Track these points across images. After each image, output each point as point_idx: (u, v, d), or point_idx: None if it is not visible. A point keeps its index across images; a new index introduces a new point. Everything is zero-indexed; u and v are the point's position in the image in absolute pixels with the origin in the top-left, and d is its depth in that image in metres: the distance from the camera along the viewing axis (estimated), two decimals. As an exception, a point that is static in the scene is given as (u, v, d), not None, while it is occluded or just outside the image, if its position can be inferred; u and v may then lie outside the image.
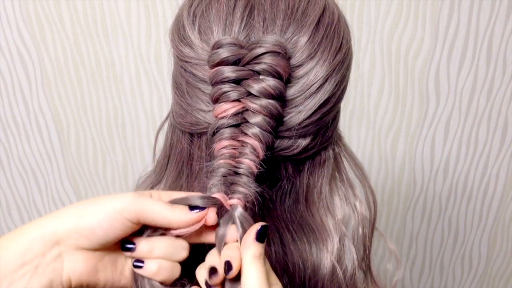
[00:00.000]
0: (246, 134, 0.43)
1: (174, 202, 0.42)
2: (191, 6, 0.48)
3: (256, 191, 0.43)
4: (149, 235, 0.43)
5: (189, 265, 0.44)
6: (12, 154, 1.32)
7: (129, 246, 0.42)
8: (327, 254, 0.50)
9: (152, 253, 0.42)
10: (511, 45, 1.09)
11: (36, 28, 1.13)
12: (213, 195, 0.42)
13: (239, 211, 0.41)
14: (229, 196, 0.42)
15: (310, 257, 0.50)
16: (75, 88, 1.20)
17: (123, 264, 0.44)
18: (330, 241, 0.50)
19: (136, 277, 0.43)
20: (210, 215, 0.42)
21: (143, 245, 0.42)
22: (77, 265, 0.41)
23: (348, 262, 0.52)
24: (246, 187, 0.42)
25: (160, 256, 0.42)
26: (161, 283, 0.43)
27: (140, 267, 0.42)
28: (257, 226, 0.40)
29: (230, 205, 0.42)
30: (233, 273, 0.39)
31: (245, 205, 0.42)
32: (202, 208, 0.42)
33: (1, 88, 1.21)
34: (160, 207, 0.41)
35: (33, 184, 1.37)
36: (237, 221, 0.41)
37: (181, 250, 0.43)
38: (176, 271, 0.43)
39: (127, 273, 0.44)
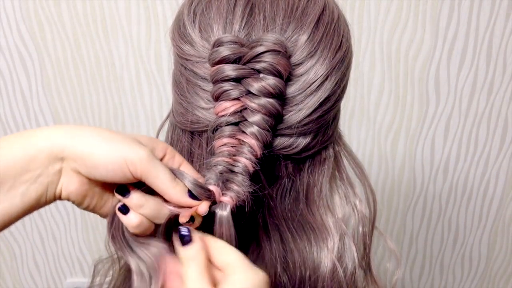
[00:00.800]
0: (244, 132, 0.44)
1: (173, 172, 0.43)
2: (192, 4, 0.48)
3: (252, 190, 0.43)
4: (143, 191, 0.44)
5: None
6: (12, 154, 1.32)
7: (124, 192, 0.43)
8: (327, 253, 0.50)
9: (140, 209, 0.43)
10: (511, 45, 1.09)
11: (36, 28, 1.13)
12: (210, 187, 0.43)
13: (226, 211, 0.42)
14: (223, 192, 0.43)
15: (310, 255, 0.50)
16: (75, 88, 1.20)
17: (108, 198, 0.45)
18: (331, 239, 0.50)
19: (113, 218, 0.44)
20: (203, 206, 0.43)
21: (136, 198, 0.43)
22: (70, 185, 0.42)
23: (348, 260, 0.52)
24: (240, 186, 0.43)
25: (145, 214, 0.43)
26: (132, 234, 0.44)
27: (124, 213, 0.43)
28: (176, 234, 0.42)
29: (221, 201, 0.43)
30: None
31: (236, 204, 0.43)
32: (196, 198, 0.42)
33: (1, 88, 1.21)
34: (165, 176, 0.42)
35: (33, 184, 1.37)
36: (217, 220, 0.42)
37: (164, 216, 0.44)
38: (149, 230, 0.44)
39: (107, 209, 0.45)
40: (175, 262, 0.42)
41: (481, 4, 1.04)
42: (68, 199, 0.43)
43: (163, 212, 0.43)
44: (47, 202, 0.42)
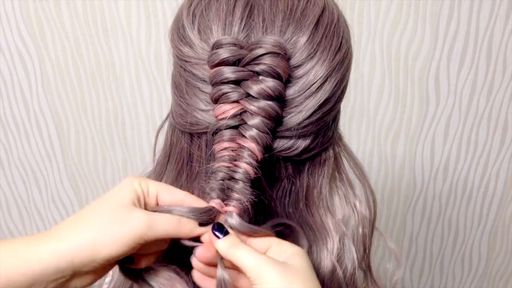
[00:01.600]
0: (244, 136, 0.44)
1: (166, 210, 0.44)
2: (191, 5, 0.48)
3: (253, 197, 0.44)
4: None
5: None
6: (12, 154, 1.32)
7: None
8: (327, 254, 0.50)
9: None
10: (511, 45, 1.09)
11: (36, 28, 1.13)
12: (211, 203, 0.44)
13: (235, 218, 0.44)
14: (225, 202, 0.44)
15: (310, 256, 0.50)
16: (75, 88, 1.20)
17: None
18: (330, 240, 0.50)
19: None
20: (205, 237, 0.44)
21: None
22: (84, 282, 0.42)
23: (348, 261, 0.52)
24: (241, 194, 0.43)
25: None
26: None
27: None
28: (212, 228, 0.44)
29: (226, 212, 0.44)
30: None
31: (240, 211, 0.44)
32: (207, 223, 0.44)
33: (1, 88, 1.21)
34: (171, 226, 0.42)
35: (33, 184, 1.37)
36: (233, 227, 0.44)
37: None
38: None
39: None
40: (182, 283, 0.44)
41: (481, 4, 1.04)
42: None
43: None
44: None
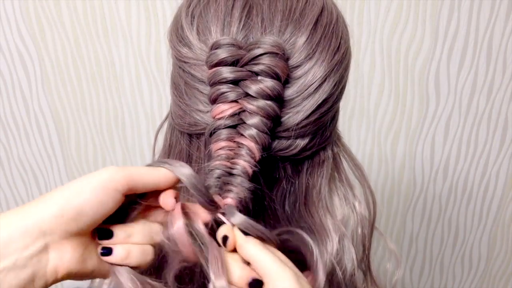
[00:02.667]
0: (242, 135, 0.44)
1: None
2: (189, 6, 0.48)
3: (252, 190, 0.43)
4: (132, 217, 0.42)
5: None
6: (12, 154, 1.32)
7: (108, 235, 0.40)
8: (326, 254, 0.50)
9: (130, 238, 0.41)
10: (511, 45, 1.09)
11: (36, 28, 1.13)
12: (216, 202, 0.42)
13: (235, 212, 0.41)
14: (223, 196, 0.42)
15: (308, 256, 0.50)
16: (75, 88, 1.20)
17: None
18: (330, 241, 0.50)
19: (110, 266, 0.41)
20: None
21: (121, 232, 0.40)
22: (65, 255, 0.38)
23: (347, 262, 0.52)
24: (239, 187, 0.42)
25: (138, 241, 0.41)
26: (135, 268, 0.41)
27: (108, 254, 0.40)
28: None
29: (225, 205, 0.42)
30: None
31: (239, 203, 0.42)
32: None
33: (1, 88, 1.21)
34: (146, 169, 0.40)
35: (33, 184, 1.38)
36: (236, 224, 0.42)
37: (157, 232, 0.42)
38: (148, 253, 0.41)
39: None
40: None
41: (481, 4, 1.04)
42: (70, 274, 0.39)
43: (154, 229, 0.42)
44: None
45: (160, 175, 0.41)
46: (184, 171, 0.40)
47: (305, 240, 0.48)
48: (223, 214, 0.42)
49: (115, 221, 0.41)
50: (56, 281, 0.38)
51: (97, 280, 0.64)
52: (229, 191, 0.42)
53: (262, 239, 0.42)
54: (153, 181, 0.41)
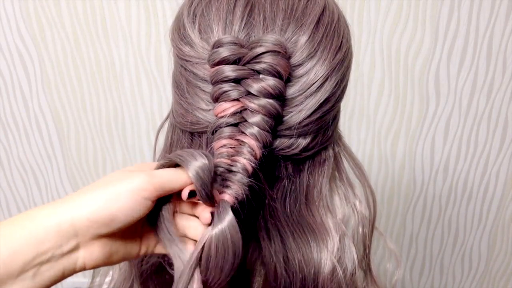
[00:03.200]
0: (244, 133, 0.44)
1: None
2: (191, 5, 0.48)
3: (250, 186, 0.43)
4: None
5: None
6: (12, 154, 1.32)
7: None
8: (327, 253, 0.50)
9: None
10: (511, 45, 1.09)
11: (36, 28, 1.13)
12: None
13: (228, 210, 0.42)
14: (221, 191, 0.43)
15: (310, 256, 0.50)
16: (75, 88, 1.20)
17: (132, 244, 0.44)
18: (330, 240, 0.50)
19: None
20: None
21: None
22: (93, 253, 0.40)
23: (348, 261, 0.52)
24: (237, 184, 0.43)
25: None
26: None
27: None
28: None
29: (220, 200, 0.42)
30: None
31: (236, 199, 0.43)
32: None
33: (1, 88, 1.21)
34: (169, 173, 0.42)
35: (33, 184, 1.37)
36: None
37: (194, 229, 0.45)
38: None
39: (134, 252, 0.45)
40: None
41: (481, 4, 1.04)
42: (96, 267, 0.42)
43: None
44: (67, 277, 0.40)
45: (184, 179, 0.42)
46: (195, 164, 0.41)
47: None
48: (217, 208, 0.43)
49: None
50: (83, 270, 0.41)
51: (97, 279, 0.64)
52: (227, 187, 0.43)
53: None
54: (179, 185, 0.42)
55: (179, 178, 0.42)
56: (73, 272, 0.40)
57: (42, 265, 0.38)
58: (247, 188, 0.43)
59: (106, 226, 0.39)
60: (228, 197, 0.42)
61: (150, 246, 0.46)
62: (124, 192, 0.39)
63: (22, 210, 1.42)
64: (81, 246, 0.39)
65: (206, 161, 0.41)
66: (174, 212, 0.44)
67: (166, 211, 0.44)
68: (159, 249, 0.46)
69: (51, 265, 0.38)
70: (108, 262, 0.42)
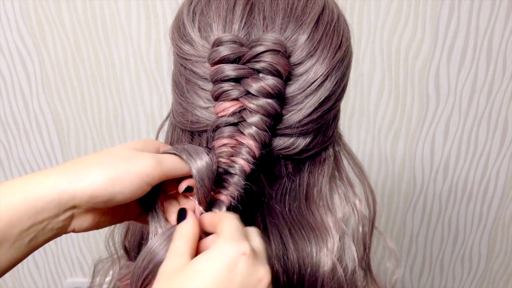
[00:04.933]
0: (242, 133, 0.44)
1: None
2: (191, 4, 0.48)
3: (246, 187, 0.44)
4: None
5: None
6: (12, 154, 1.32)
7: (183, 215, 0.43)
8: (327, 252, 0.50)
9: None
10: (511, 45, 1.09)
11: (36, 28, 1.13)
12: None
13: (223, 210, 0.43)
14: (217, 190, 0.44)
15: (310, 255, 0.50)
16: (75, 88, 1.20)
17: (119, 213, 0.45)
18: (331, 239, 0.50)
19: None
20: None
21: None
22: (84, 223, 0.42)
23: (348, 260, 0.52)
24: (233, 186, 0.43)
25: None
26: None
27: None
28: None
29: (217, 200, 0.44)
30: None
31: (230, 202, 0.44)
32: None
33: (1, 88, 1.21)
34: (174, 161, 0.43)
35: (33, 184, 1.37)
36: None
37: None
38: None
39: (120, 216, 0.46)
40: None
41: (481, 4, 1.04)
42: (83, 231, 0.43)
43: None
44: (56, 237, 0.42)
45: (187, 170, 0.43)
46: (198, 164, 0.42)
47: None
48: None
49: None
50: (66, 233, 0.43)
51: (97, 279, 0.64)
52: (224, 187, 0.44)
53: None
54: (181, 174, 0.43)
55: (183, 167, 0.43)
56: (62, 234, 0.42)
57: (37, 231, 0.39)
58: (242, 190, 0.44)
59: (103, 203, 0.40)
60: (224, 197, 0.43)
61: (133, 215, 0.47)
62: (129, 175, 0.40)
63: (22, 210, 1.42)
64: (75, 216, 0.41)
65: (210, 161, 0.42)
66: (162, 192, 0.45)
67: (157, 192, 0.44)
68: (140, 220, 0.48)
69: (45, 231, 0.40)
70: (96, 228, 0.44)
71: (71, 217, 0.41)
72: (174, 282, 0.36)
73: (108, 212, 0.44)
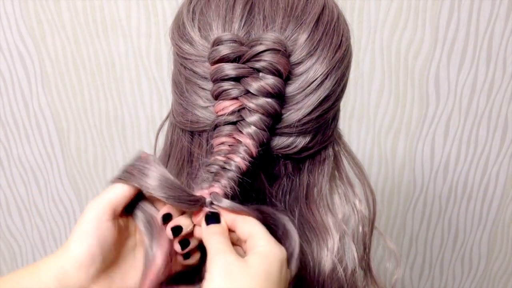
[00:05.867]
0: (241, 132, 0.44)
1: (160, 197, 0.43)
2: (191, 3, 0.48)
3: (240, 183, 0.44)
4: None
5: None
6: (12, 154, 1.32)
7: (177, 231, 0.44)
8: (327, 252, 0.50)
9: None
10: (511, 45, 1.09)
11: (36, 28, 1.13)
12: (198, 193, 0.44)
13: (221, 198, 0.43)
14: (210, 185, 0.44)
15: (310, 255, 0.50)
16: (75, 88, 1.20)
17: (113, 275, 0.45)
18: (331, 239, 0.50)
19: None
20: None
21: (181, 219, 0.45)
22: None
23: (348, 260, 0.52)
24: (227, 180, 0.43)
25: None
26: None
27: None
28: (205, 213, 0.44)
29: (210, 193, 0.43)
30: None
31: (226, 190, 0.43)
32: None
33: (1, 88, 1.21)
34: (119, 190, 0.44)
35: (33, 184, 1.37)
36: (218, 205, 0.43)
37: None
38: None
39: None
40: None
41: (481, 4, 1.04)
42: None
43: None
44: None
45: (132, 193, 0.44)
46: (149, 183, 0.43)
47: (288, 235, 0.48)
48: (211, 203, 0.44)
49: None
50: None
51: None
52: (216, 181, 0.44)
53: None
54: (130, 198, 0.44)
55: (129, 193, 0.44)
56: None
57: None
58: (237, 187, 0.44)
59: (92, 265, 0.41)
60: (218, 189, 0.43)
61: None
62: (85, 229, 0.41)
63: (22, 210, 1.42)
64: None
65: (163, 176, 0.43)
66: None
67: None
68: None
69: None
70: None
71: None
72: (236, 280, 0.38)
73: (114, 266, 0.44)
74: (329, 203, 0.52)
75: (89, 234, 0.41)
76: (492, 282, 1.47)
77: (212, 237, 0.41)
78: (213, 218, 0.43)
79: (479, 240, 1.39)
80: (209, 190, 0.43)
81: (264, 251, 0.40)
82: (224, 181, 0.43)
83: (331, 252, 0.50)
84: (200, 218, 0.44)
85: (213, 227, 0.42)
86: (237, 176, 0.43)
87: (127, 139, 1.27)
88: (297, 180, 0.50)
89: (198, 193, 0.44)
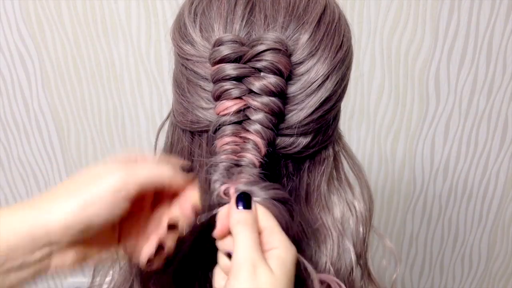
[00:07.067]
0: (248, 130, 0.44)
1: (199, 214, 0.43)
2: (192, 4, 0.48)
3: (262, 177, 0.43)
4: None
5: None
6: (12, 154, 1.32)
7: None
8: (325, 252, 0.50)
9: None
10: (511, 45, 1.09)
11: (36, 28, 1.13)
12: (219, 190, 0.42)
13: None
14: (234, 181, 0.42)
15: (308, 254, 0.50)
16: (75, 88, 1.20)
17: (107, 237, 0.43)
18: (329, 239, 0.51)
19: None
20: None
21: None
22: (67, 259, 0.39)
23: (346, 260, 0.52)
24: (249, 174, 0.42)
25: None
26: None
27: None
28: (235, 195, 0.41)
29: (237, 189, 0.42)
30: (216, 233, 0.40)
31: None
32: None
33: (1, 88, 1.21)
34: (151, 169, 0.41)
35: (33, 184, 1.37)
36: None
37: None
38: None
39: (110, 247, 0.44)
40: None
41: (481, 4, 1.04)
42: (69, 270, 0.40)
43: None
44: (37, 279, 0.39)
45: (171, 176, 0.42)
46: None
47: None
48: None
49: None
50: (54, 274, 0.40)
51: (97, 279, 0.64)
52: (241, 177, 0.42)
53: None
54: (166, 181, 0.42)
55: (164, 174, 0.42)
56: (43, 275, 0.39)
57: (12, 269, 0.36)
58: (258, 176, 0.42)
59: (81, 233, 0.38)
60: (243, 184, 0.42)
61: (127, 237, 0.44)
62: (98, 195, 0.37)
63: (22, 210, 1.42)
64: (54, 253, 0.38)
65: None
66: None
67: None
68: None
69: (21, 270, 0.37)
70: (82, 263, 0.41)
71: (49, 254, 0.38)
72: (257, 275, 0.36)
73: (92, 242, 0.40)
74: (328, 203, 0.52)
75: (95, 204, 0.37)
76: (492, 282, 1.47)
77: (242, 227, 0.38)
78: (244, 201, 0.40)
79: (479, 240, 1.39)
80: (235, 186, 0.41)
81: (282, 255, 0.38)
82: (247, 176, 0.42)
83: (329, 252, 0.50)
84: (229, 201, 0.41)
85: (245, 214, 0.39)
86: (256, 170, 0.42)
87: (127, 139, 1.27)
88: (297, 180, 0.50)
89: (223, 187, 0.42)
